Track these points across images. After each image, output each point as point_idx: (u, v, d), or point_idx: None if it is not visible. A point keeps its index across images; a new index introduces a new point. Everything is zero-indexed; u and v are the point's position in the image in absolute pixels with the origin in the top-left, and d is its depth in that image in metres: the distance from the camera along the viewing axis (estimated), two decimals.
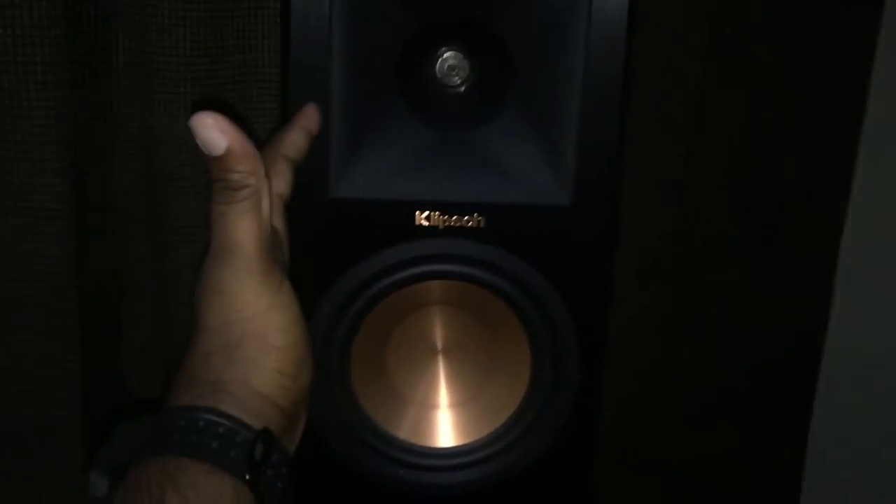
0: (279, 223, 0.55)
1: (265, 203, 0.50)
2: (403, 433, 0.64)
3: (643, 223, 0.77)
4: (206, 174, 0.50)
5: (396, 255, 0.59)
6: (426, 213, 0.59)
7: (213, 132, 0.48)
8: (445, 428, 0.65)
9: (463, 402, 0.65)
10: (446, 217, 0.60)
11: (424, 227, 0.59)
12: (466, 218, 0.60)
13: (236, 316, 0.49)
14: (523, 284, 0.61)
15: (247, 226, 0.49)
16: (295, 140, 0.55)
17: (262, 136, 0.68)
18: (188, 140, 0.50)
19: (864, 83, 0.79)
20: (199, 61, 0.65)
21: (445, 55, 0.60)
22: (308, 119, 0.56)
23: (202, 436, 0.45)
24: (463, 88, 0.60)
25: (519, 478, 0.64)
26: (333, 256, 0.59)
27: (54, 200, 0.64)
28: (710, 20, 0.73)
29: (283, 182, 0.55)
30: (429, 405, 0.65)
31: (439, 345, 0.65)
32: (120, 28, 0.65)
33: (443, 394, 0.65)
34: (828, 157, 0.80)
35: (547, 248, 0.60)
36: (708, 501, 0.88)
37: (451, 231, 0.60)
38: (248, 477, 0.45)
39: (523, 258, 0.60)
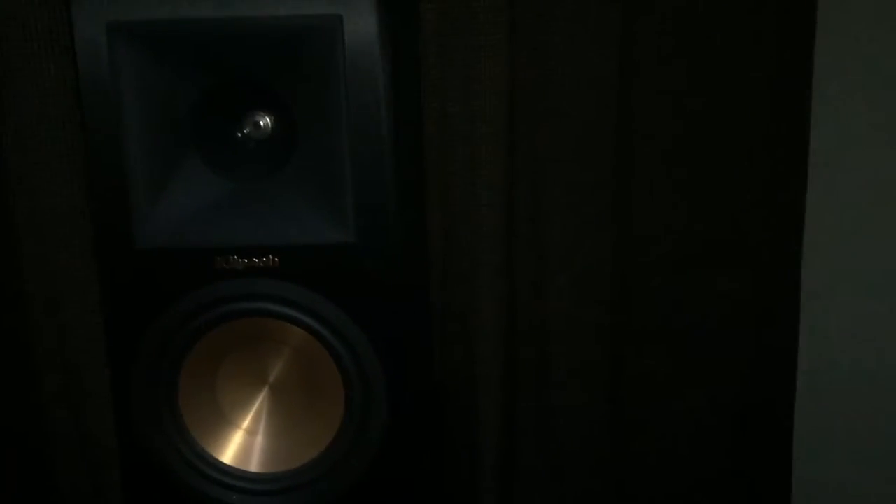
0: None
1: None
2: (225, 456, 0.68)
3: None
4: None
5: (195, 300, 0.64)
6: (225, 257, 0.64)
7: None
8: (257, 454, 0.69)
9: (280, 433, 0.69)
10: (244, 260, 0.64)
11: (224, 270, 0.64)
12: (264, 259, 0.64)
13: None
14: (321, 318, 0.64)
15: None
16: None
17: None
18: None
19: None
20: None
21: (236, 111, 0.64)
22: None
23: None
24: (253, 141, 0.64)
25: None
26: (143, 304, 0.64)
27: None
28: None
29: None
30: (251, 432, 0.69)
31: (271, 378, 0.69)
32: None
33: (265, 423, 0.69)
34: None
35: (340, 283, 0.64)
36: None
37: (250, 272, 0.64)
38: None
39: (319, 292, 0.64)
